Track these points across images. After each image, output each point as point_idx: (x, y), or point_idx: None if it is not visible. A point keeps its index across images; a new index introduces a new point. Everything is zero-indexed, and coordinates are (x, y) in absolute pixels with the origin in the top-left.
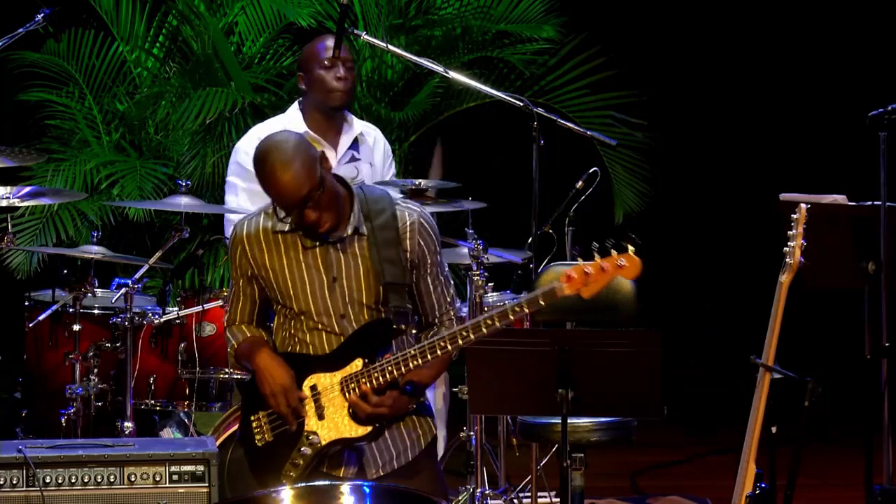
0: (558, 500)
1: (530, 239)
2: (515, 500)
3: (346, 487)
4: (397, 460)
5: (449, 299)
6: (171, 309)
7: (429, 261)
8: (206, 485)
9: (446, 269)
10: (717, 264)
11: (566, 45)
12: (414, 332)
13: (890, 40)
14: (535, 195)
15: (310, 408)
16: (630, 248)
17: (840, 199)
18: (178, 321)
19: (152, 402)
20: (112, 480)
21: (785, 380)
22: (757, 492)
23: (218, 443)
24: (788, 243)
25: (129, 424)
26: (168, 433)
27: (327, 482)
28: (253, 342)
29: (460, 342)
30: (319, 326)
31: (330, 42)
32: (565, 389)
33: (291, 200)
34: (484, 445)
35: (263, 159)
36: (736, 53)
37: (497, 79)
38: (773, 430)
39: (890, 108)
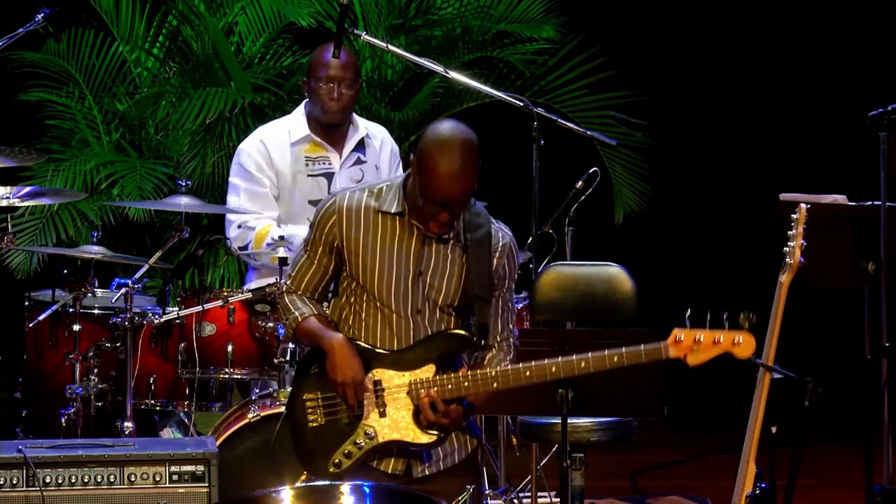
0: (558, 500)
1: (530, 239)
2: (515, 500)
3: (346, 487)
4: (443, 462)
5: (511, 326)
6: (171, 309)
7: (506, 285)
8: (206, 485)
9: (514, 296)
10: (718, 264)
11: (566, 45)
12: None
13: (890, 40)
14: (535, 195)
15: (370, 402)
16: (746, 324)
17: (840, 199)
18: (178, 321)
19: (152, 402)
20: (112, 480)
21: (785, 380)
22: (757, 492)
23: (218, 443)
24: (788, 243)
25: (129, 424)
26: (168, 433)
27: (327, 482)
28: (324, 321)
29: (548, 376)
30: (393, 318)
31: (332, 53)
32: (565, 389)
33: (455, 201)
34: (484, 445)
35: (444, 151)
36: (736, 53)
37: (497, 79)
38: (773, 430)
39: (890, 108)
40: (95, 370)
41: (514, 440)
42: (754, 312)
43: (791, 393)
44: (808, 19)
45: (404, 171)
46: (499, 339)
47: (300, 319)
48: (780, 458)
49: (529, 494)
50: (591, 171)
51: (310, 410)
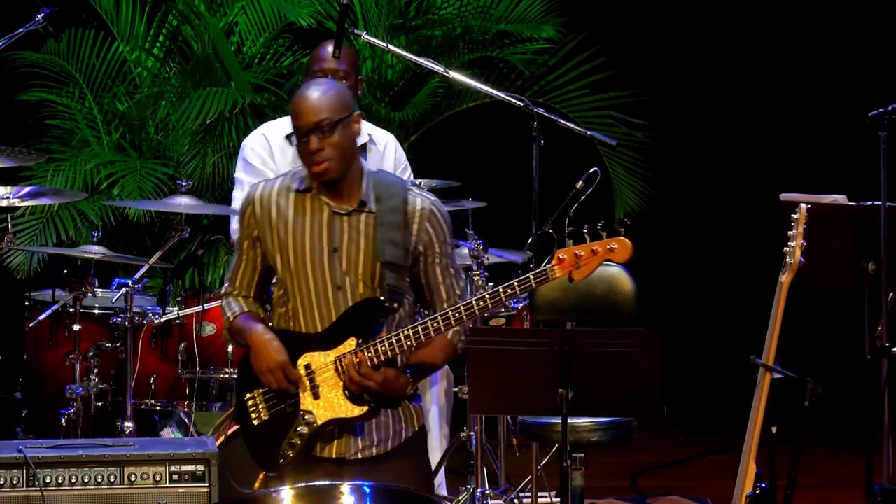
0: (558, 500)
1: (530, 239)
2: (515, 500)
3: (346, 487)
4: (377, 447)
5: (458, 292)
6: (171, 309)
7: (436, 249)
8: (206, 485)
9: (457, 262)
10: (718, 264)
11: (566, 45)
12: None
13: (890, 40)
14: (535, 195)
15: (304, 387)
16: (621, 231)
17: (840, 199)
18: (178, 321)
19: (152, 402)
20: (112, 480)
21: (785, 380)
22: (757, 492)
23: (218, 443)
24: (788, 243)
25: (129, 424)
26: (168, 433)
27: (327, 482)
28: (249, 317)
29: (452, 322)
30: (314, 298)
31: (328, 49)
32: (565, 389)
33: (305, 118)
34: (484, 445)
35: (304, 87)
36: (736, 53)
37: (497, 79)
38: (773, 430)
39: (890, 108)
40: (95, 370)
41: (514, 440)
42: (628, 219)
43: (791, 393)
44: (808, 19)
45: (415, 176)
46: (446, 306)
47: (231, 319)
48: (780, 458)
49: (529, 494)
50: (591, 171)
51: (252, 409)
